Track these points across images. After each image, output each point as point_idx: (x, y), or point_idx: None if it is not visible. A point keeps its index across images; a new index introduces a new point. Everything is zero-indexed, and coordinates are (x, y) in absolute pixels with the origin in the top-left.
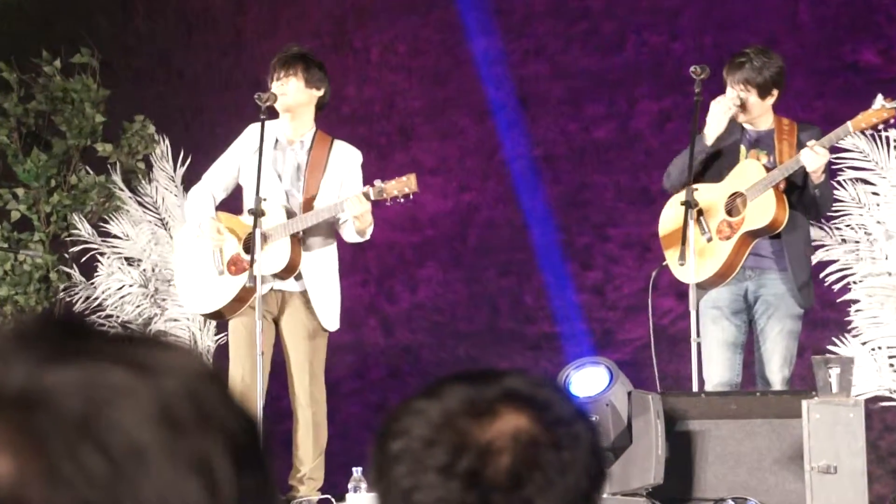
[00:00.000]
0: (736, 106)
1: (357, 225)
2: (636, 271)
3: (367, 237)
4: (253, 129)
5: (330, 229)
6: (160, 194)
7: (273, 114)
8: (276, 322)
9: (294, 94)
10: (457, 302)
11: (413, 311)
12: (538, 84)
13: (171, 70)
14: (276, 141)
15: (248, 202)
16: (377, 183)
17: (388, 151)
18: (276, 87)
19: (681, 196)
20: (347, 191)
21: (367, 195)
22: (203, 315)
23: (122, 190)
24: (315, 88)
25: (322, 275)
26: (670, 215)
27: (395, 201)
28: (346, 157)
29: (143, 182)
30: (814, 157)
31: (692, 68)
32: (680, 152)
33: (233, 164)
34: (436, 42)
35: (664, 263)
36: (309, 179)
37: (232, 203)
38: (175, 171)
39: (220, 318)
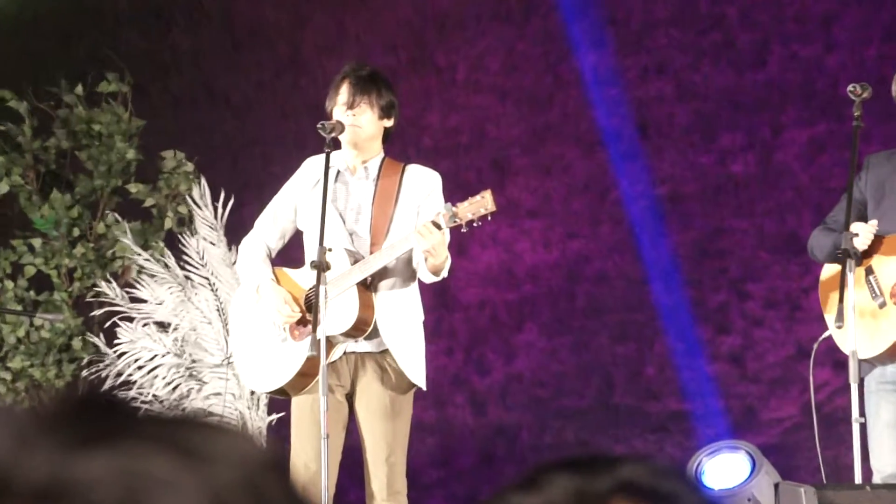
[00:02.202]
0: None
1: (430, 261)
2: (783, 335)
3: (445, 274)
4: (311, 162)
5: (408, 270)
6: (200, 245)
7: (335, 143)
8: (350, 398)
9: (367, 128)
10: (562, 373)
11: (509, 385)
12: (661, 108)
13: (215, 95)
14: (338, 173)
15: (310, 251)
16: (447, 206)
17: (479, 189)
18: (344, 115)
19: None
20: (426, 216)
21: (436, 223)
22: (268, 394)
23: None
24: (387, 118)
25: (404, 326)
26: (831, 267)
27: (471, 226)
28: (423, 181)
29: (185, 230)
30: None
31: (850, 87)
32: (836, 197)
33: (289, 207)
34: (535, 58)
35: (828, 334)
36: (377, 214)
37: (291, 251)
38: (218, 216)
39: (286, 396)
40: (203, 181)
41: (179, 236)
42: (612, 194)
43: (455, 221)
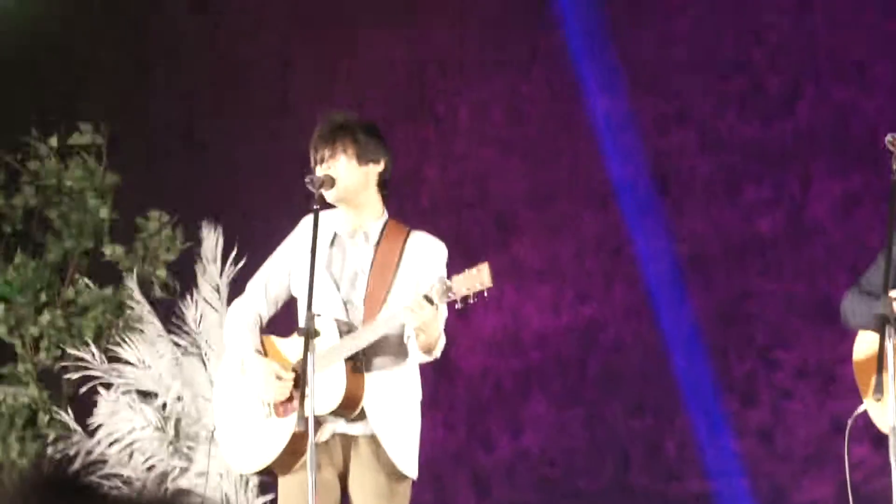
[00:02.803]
0: None
1: (422, 339)
2: (816, 409)
3: (437, 354)
4: (306, 222)
5: (401, 346)
6: (199, 309)
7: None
8: (344, 479)
9: (345, 177)
10: (574, 450)
11: (515, 463)
12: (681, 159)
13: (194, 144)
14: (335, 236)
15: (301, 318)
16: (441, 280)
17: (481, 250)
18: (320, 170)
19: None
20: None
21: (428, 298)
22: (253, 474)
23: (137, 303)
24: (372, 163)
25: (395, 410)
26: (868, 335)
27: (466, 302)
28: (426, 251)
29: (163, 294)
30: None
31: (889, 137)
32: (872, 256)
33: (282, 271)
34: (542, 104)
35: (864, 407)
36: (374, 283)
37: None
38: (223, 275)
39: (273, 477)
40: (219, 231)
41: (179, 302)
42: (627, 253)
43: (449, 297)
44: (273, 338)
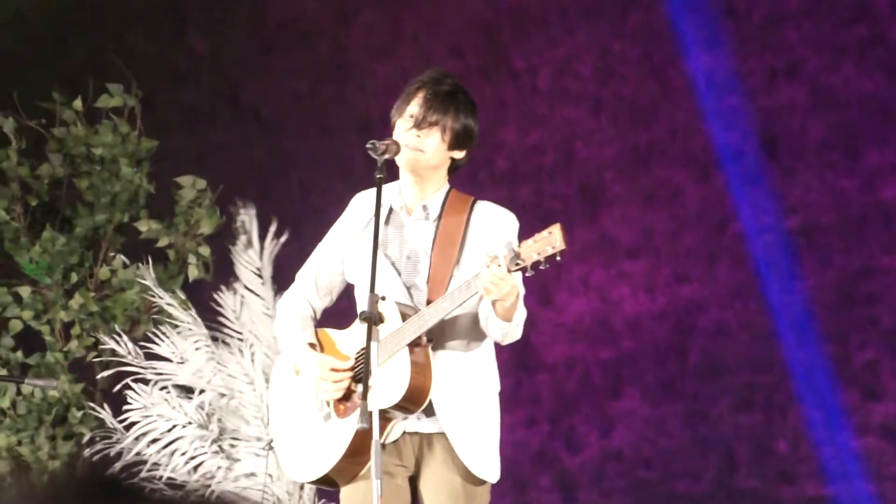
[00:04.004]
0: None
1: (497, 310)
2: None
3: (517, 334)
4: (360, 200)
5: (476, 329)
6: (239, 293)
7: (391, 168)
8: (415, 481)
9: (430, 156)
10: (672, 450)
11: (606, 464)
12: (792, 119)
13: (241, 109)
14: (390, 212)
15: (360, 306)
16: (507, 245)
17: (565, 224)
18: (406, 133)
19: None
20: None
21: (496, 263)
22: (310, 483)
23: (154, 295)
24: (458, 149)
25: (468, 403)
26: None
27: (537, 269)
28: (495, 224)
29: (206, 275)
30: None
31: None
32: None
33: (334, 257)
34: (635, 59)
35: None
36: (437, 263)
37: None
38: (265, 257)
39: (334, 488)
40: (252, 211)
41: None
42: (732, 227)
43: (517, 264)
44: (329, 330)
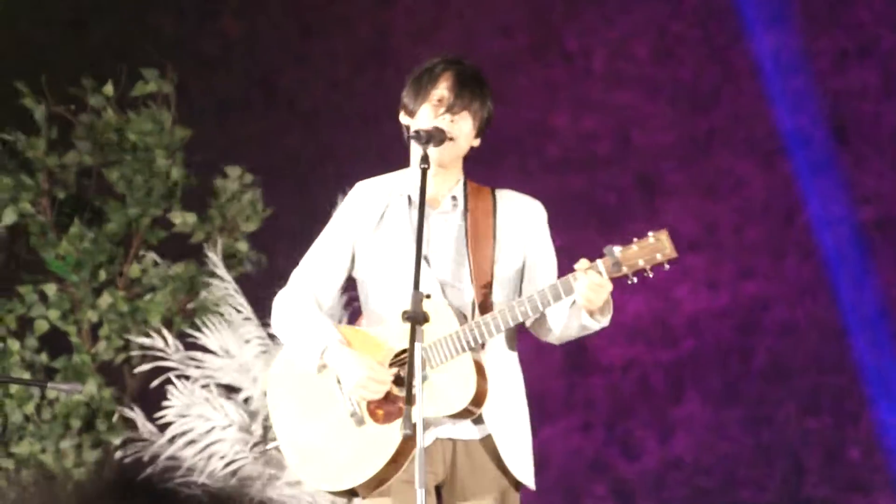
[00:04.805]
0: None
1: (584, 314)
2: None
3: (606, 322)
4: (366, 190)
5: (512, 333)
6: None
7: (402, 159)
8: (440, 490)
9: (462, 144)
10: (736, 456)
11: (666, 472)
12: (864, 104)
13: (276, 97)
14: (409, 202)
15: (380, 307)
16: (609, 250)
17: (620, 215)
18: (439, 119)
19: None
20: (542, 264)
21: (594, 269)
22: (332, 493)
23: (221, 280)
24: (479, 138)
25: (509, 405)
26: None
27: (641, 276)
28: (525, 213)
29: (250, 269)
30: None
31: None
32: None
33: (342, 251)
34: (695, 41)
35: None
36: (477, 258)
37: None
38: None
39: (351, 497)
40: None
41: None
42: (800, 219)
43: (620, 270)
44: (359, 328)
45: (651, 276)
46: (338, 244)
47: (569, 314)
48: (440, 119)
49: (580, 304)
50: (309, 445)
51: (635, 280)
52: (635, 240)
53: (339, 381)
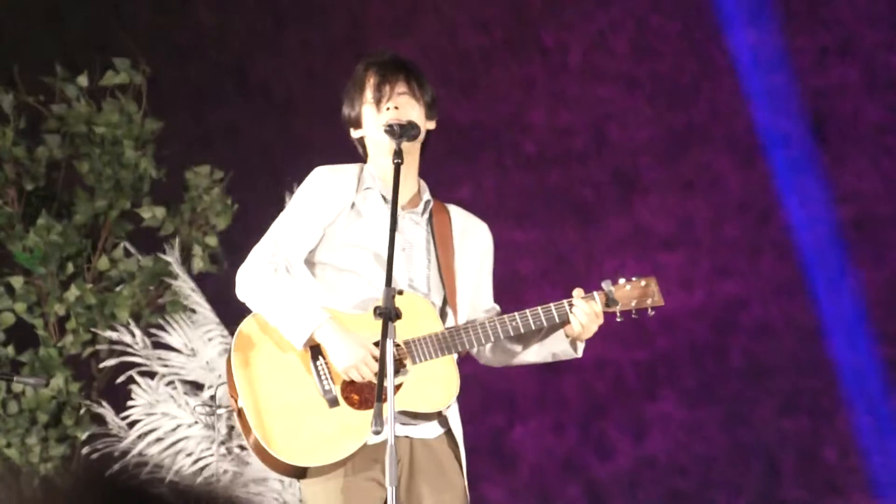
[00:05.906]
0: None
1: (575, 334)
2: None
3: (580, 355)
4: (334, 177)
5: None
6: None
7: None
8: (397, 489)
9: (418, 122)
10: (711, 457)
11: (640, 472)
12: (843, 102)
13: (250, 86)
14: (382, 199)
15: (339, 291)
16: (607, 284)
17: (597, 213)
18: (384, 116)
19: None
20: (484, 288)
21: (590, 298)
22: (276, 469)
23: (176, 278)
24: (431, 120)
25: (454, 406)
26: None
27: (627, 316)
28: (478, 235)
29: (210, 268)
30: None
31: None
32: None
33: (315, 230)
34: (674, 34)
35: None
36: (445, 265)
37: None
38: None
39: (301, 477)
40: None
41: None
42: (777, 218)
43: (611, 307)
44: (340, 311)
45: (636, 317)
46: (310, 223)
47: (543, 340)
48: (384, 114)
49: (574, 331)
50: (270, 412)
51: (621, 318)
52: (623, 280)
53: (319, 358)
